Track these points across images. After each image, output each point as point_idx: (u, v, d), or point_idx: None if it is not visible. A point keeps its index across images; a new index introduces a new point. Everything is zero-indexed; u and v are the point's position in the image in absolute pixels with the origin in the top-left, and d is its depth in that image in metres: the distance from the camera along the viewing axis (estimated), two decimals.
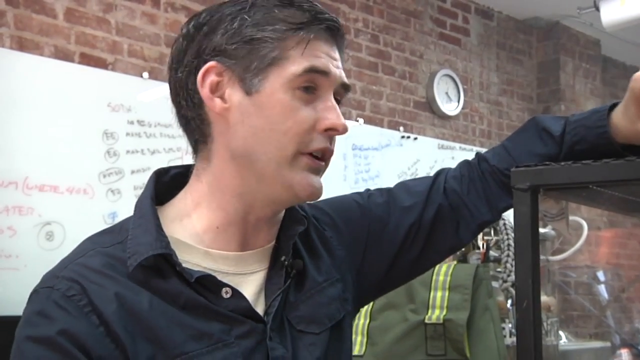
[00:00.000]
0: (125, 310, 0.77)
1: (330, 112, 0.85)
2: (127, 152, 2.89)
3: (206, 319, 0.81)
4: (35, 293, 0.80)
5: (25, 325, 0.78)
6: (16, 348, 0.77)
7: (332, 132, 0.85)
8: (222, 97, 0.85)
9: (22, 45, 2.69)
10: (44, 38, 2.75)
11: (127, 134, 2.90)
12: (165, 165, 0.94)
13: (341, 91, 0.89)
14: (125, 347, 0.76)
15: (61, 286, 0.78)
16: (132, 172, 2.87)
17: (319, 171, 0.87)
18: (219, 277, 0.83)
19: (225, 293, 0.82)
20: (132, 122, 2.91)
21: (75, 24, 2.84)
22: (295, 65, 0.83)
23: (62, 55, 2.78)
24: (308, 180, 0.85)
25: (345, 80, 0.88)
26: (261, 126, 0.83)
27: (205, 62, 0.85)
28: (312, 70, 0.83)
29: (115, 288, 0.78)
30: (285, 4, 0.86)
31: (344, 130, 0.86)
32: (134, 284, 0.80)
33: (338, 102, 0.88)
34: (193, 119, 0.87)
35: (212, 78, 0.85)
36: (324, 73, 0.84)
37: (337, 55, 0.88)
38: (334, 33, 0.88)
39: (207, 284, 0.82)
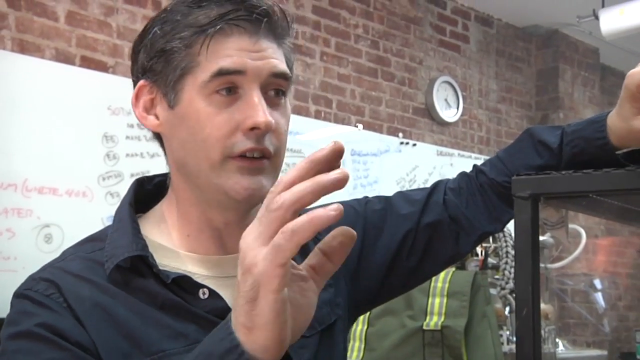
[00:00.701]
0: (98, 310, 0.78)
1: (253, 109, 0.80)
2: (127, 155, 2.89)
3: (183, 320, 0.81)
4: (15, 297, 0.81)
5: (7, 326, 0.79)
6: (3, 350, 0.78)
7: (256, 131, 0.80)
8: (156, 114, 0.85)
9: (23, 47, 2.69)
10: (45, 41, 2.75)
11: (127, 137, 2.90)
12: (163, 169, 0.94)
13: (278, 81, 0.83)
14: (95, 344, 0.77)
15: (39, 287, 0.79)
16: (132, 175, 2.87)
17: (259, 170, 0.82)
18: (198, 280, 0.83)
19: (203, 294, 0.82)
20: (132, 126, 2.91)
21: (77, 27, 2.85)
22: (204, 72, 0.80)
23: (63, 58, 2.79)
24: (241, 183, 0.81)
25: (277, 69, 0.82)
26: (186, 138, 0.82)
27: (139, 80, 0.85)
28: (222, 73, 0.80)
29: (89, 290, 0.79)
30: (191, 7, 0.82)
31: (267, 126, 0.80)
32: (112, 286, 0.80)
33: (283, 93, 0.85)
34: (153, 134, 0.89)
35: (145, 97, 0.85)
36: (238, 72, 0.80)
37: (261, 45, 0.82)
38: (254, 22, 0.82)
39: (184, 285, 0.82)
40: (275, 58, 0.83)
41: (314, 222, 0.61)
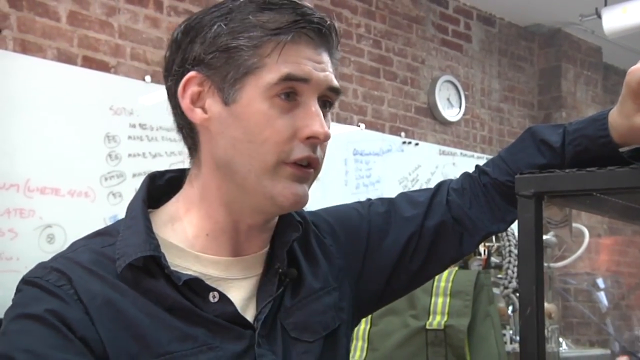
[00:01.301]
0: (110, 308, 0.78)
1: (312, 119, 0.82)
2: (129, 155, 2.89)
3: (192, 323, 0.81)
4: (24, 283, 0.80)
5: (13, 308, 0.79)
6: (4, 329, 0.77)
7: (313, 140, 0.82)
8: (203, 108, 0.84)
9: (25, 47, 2.69)
10: (47, 41, 2.75)
11: (129, 137, 2.90)
12: (166, 168, 0.94)
13: (330, 94, 0.86)
14: (104, 342, 0.76)
15: (51, 277, 0.79)
16: (134, 175, 2.87)
17: (306, 179, 0.84)
18: (209, 282, 0.83)
19: (213, 297, 0.82)
20: (134, 126, 2.91)
21: (78, 27, 2.85)
22: (272, 74, 0.81)
23: (65, 58, 2.79)
24: (291, 189, 0.82)
25: (334, 83, 0.85)
26: (239, 137, 0.82)
27: (188, 71, 0.84)
28: (289, 78, 0.81)
29: (100, 286, 0.79)
30: (263, 8, 0.83)
31: (326, 138, 0.83)
32: (122, 284, 0.80)
33: (330, 105, 0.87)
34: (183, 126, 0.88)
35: (194, 88, 0.84)
36: (304, 80, 0.82)
37: (323, 57, 0.85)
38: (319, 34, 0.84)
39: (195, 287, 0.81)
40: (331, 72, 0.86)
41: None
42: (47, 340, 0.74)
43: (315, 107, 0.83)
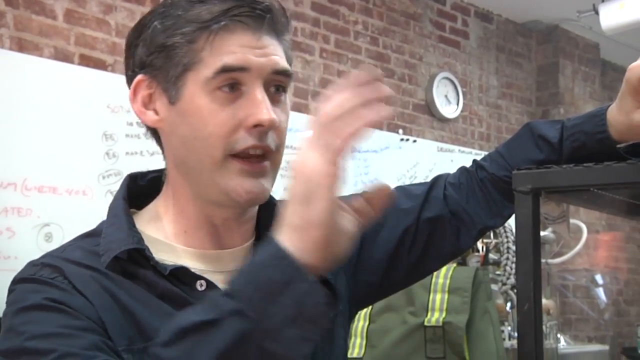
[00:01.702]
0: (105, 294, 0.78)
1: (256, 107, 0.80)
2: (127, 153, 2.89)
3: (183, 309, 0.80)
4: (15, 282, 0.80)
5: (11, 305, 0.78)
6: (9, 326, 0.76)
7: (260, 129, 0.80)
8: (155, 110, 0.84)
9: (21, 46, 2.68)
10: (44, 39, 2.75)
11: (127, 136, 2.90)
12: (163, 167, 0.94)
13: (280, 78, 0.83)
14: (105, 324, 0.76)
15: (43, 272, 0.79)
16: None
17: (260, 174, 0.82)
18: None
19: (200, 285, 0.82)
20: (131, 124, 2.90)
21: (75, 25, 2.84)
22: (208, 68, 0.79)
23: (62, 56, 2.78)
24: (243, 186, 0.81)
25: (279, 66, 0.82)
26: (187, 135, 0.81)
27: (136, 75, 0.84)
28: (226, 70, 0.79)
29: (92, 276, 0.79)
30: (195, 1, 0.81)
31: (271, 124, 0.80)
32: (113, 273, 0.80)
33: (283, 89, 0.84)
34: (148, 130, 0.88)
35: (144, 92, 0.84)
36: (242, 69, 0.79)
37: (264, 41, 0.81)
38: (256, 18, 0.81)
39: (182, 276, 0.82)
40: (277, 55, 0.83)
41: (359, 115, 0.66)
42: (57, 321, 0.74)
43: (261, 94, 0.80)
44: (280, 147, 0.84)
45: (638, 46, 4.93)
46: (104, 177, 2.82)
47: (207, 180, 0.82)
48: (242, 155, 0.81)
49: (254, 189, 0.82)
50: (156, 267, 0.81)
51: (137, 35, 0.84)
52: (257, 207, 0.90)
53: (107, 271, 0.80)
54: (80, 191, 2.75)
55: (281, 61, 0.83)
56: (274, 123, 0.80)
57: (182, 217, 0.86)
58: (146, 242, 0.83)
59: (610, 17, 3.48)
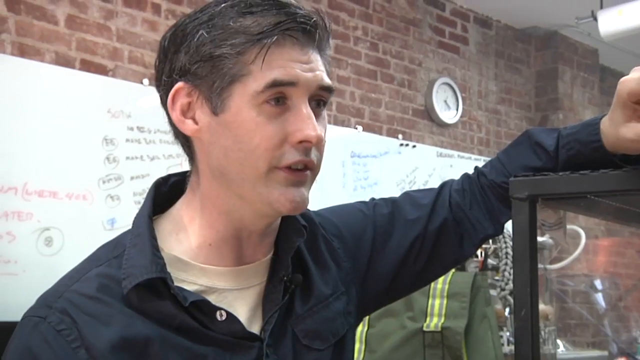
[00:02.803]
0: (119, 339, 0.77)
1: (303, 123, 0.80)
2: (127, 158, 2.90)
3: (200, 342, 0.80)
4: (27, 319, 0.79)
5: (11, 356, 0.78)
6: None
7: (306, 144, 0.81)
8: (193, 118, 0.83)
9: (23, 51, 2.70)
10: (45, 44, 2.76)
11: (127, 140, 2.91)
12: (163, 172, 0.93)
13: (323, 93, 0.83)
14: None
15: (53, 319, 0.77)
16: (132, 178, 2.87)
17: (302, 182, 0.83)
18: (215, 294, 0.83)
19: (220, 316, 0.81)
20: (132, 129, 2.91)
21: (76, 31, 2.85)
22: (257, 81, 0.79)
23: (63, 61, 2.80)
24: (287, 195, 0.81)
25: (325, 82, 0.83)
26: (230, 146, 0.81)
27: (175, 82, 0.82)
28: (276, 84, 0.79)
29: (109, 316, 0.78)
30: (245, 12, 0.81)
31: (318, 141, 0.81)
32: (128, 308, 0.79)
33: (324, 104, 0.85)
34: (178, 136, 0.87)
35: (183, 100, 0.82)
36: (291, 84, 0.80)
37: (311, 57, 0.82)
38: (305, 33, 0.81)
39: (202, 307, 0.81)
40: (322, 70, 0.83)
41: None
42: None
43: (307, 109, 0.81)
44: (320, 160, 0.85)
45: (637, 52, 4.95)
46: (104, 182, 2.83)
47: (250, 191, 0.82)
48: (286, 169, 0.81)
49: (297, 197, 0.82)
50: (176, 297, 0.80)
51: (177, 41, 0.83)
52: (279, 220, 0.90)
53: (123, 306, 0.79)
54: (80, 196, 2.75)
55: (326, 77, 0.83)
56: (321, 140, 0.81)
57: (209, 229, 0.85)
58: (167, 264, 0.81)
59: (608, 24, 3.49)
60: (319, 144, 0.82)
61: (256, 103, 0.80)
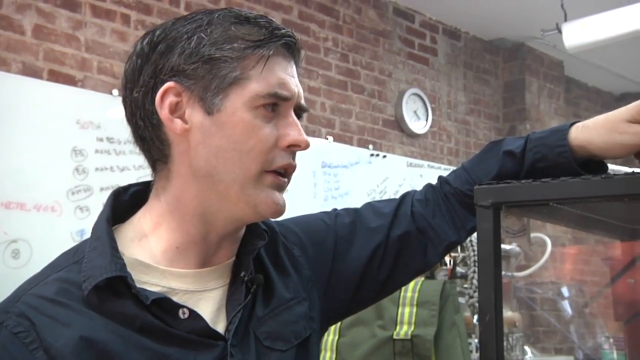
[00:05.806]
0: (79, 339, 0.77)
1: (292, 128, 0.86)
2: (96, 169, 2.87)
3: (163, 342, 0.80)
4: None
5: None
6: None
7: (294, 148, 0.86)
8: (182, 118, 0.84)
9: None
10: (12, 54, 2.73)
11: (97, 151, 2.88)
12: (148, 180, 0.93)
13: (301, 107, 0.90)
14: None
15: (9, 323, 0.78)
16: (101, 189, 2.85)
17: (282, 188, 0.87)
18: (178, 296, 0.83)
19: (182, 314, 0.82)
20: (101, 139, 2.89)
21: (44, 41, 2.83)
22: (258, 86, 0.83)
23: (30, 71, 2.77)
24: (272, 198, 0.85)
25: (302, 97, 0.89)
26: (224, 146, 0.83)
27: (163, 82, 0.84)
28: (276, 96, 0.84)
29: (68, 318, 0.78)
30: (242, 20, 0.85)
31: (307, 145, 0.86)
32: (89, 310, 0.79)
33: (298, 117, 0.89)
34: (152, 139, 0.87)
35: (171, 99, 0.84)
36: (286, 99, 0.86)
37: (294, 71, 0.89)
38: (290, 49, 0.88)
39: (164, 305, 0.81)
40: (300, 87, 0.89)
41: None
42: None
43: (293, 116, 0.87)
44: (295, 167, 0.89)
45: (600, 64, 5.06)
46: (73, 193, 2.80)
47: (237, 192, 0.84)
48: (274, 173, 0.85)
49: (280, 201, 0.86)
50: (137, 296, 0.80)
51: (168, 43, 0.85)
52: (244, 227, 0.92)
53: (83, 308, 0.79)
54: (49, 207, 2.72)
55: (302, 93, 0.90)
56: (308, 145, 0.87)
57: (179, 231, 0.86)
58: (129, 267, 0.82)
59: (572, 36, 3.57)
60: (307, 148, 0.86)
61: (252, 106, 0.83)
